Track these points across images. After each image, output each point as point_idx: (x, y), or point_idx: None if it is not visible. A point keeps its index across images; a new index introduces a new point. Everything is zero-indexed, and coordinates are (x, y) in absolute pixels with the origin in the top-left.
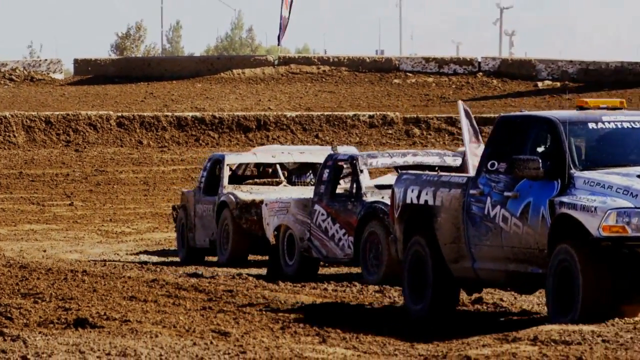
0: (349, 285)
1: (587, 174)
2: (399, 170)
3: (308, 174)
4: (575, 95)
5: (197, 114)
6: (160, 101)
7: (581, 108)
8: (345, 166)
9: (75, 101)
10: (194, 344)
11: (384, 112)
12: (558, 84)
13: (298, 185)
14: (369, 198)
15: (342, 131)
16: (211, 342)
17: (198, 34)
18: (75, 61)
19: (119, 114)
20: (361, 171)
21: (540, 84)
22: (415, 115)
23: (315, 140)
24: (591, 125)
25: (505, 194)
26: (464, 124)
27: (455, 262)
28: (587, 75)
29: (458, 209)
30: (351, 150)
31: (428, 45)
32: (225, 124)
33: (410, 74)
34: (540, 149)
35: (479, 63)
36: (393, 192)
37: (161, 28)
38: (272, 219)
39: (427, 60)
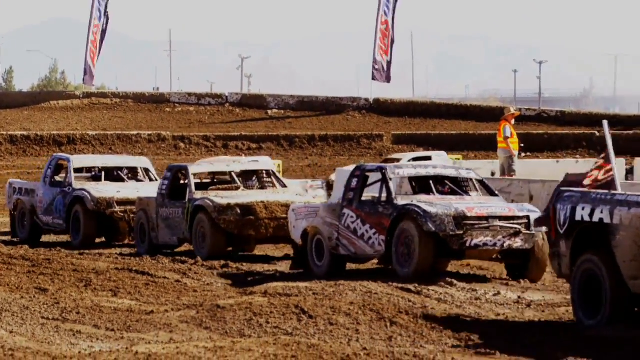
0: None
1: None
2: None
3: (253, 179)
4: (294, 120)
5: (25, 132)
6: None
7: None
8: (371, 176)
9: None
10: (22, 297)
11: (159, 132)
12: (282, 111)
13: (249, 189)
14: (399, 202)
15: (129, 145)
16: (34, 296)
17: (26, 75)
18: None
19: None
20: (390, 179)
21: (270, 112)
22: (181, 134)
23: (110, 151)
24: None
25: None
26: (609, 141)
27: (635, 279)
28: (302, 105)
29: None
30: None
31: (190, 84)
32: (45, 140)
33: (178, 104)
34: None
35: (227, 97)
36: (555, 209)
37: None
38: (300, 222)
39: (190, 94)
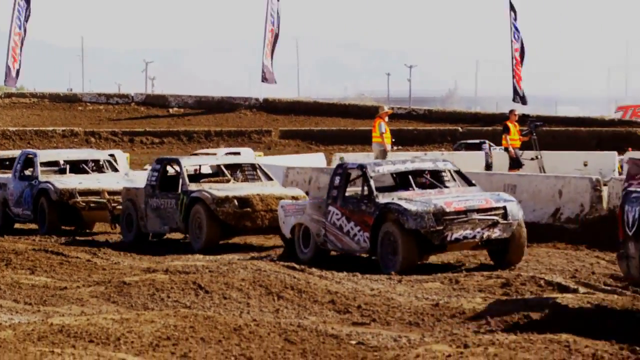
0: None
1: None
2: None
3: (237, 171)
4: (193, 117)
5: None
6: None
7: None
8: (353, 173)
9: None
10: None
11: (72, 128)
12: (182, 110)
13: (236, 181)
14: (381, 200)
15: (45, 140)
16: None
17: None
18: None
19: None
20: (371, 177)
21: (171, 110)
22: (92, 130)
23: (29, 145)
24: None
25: None
26: None
27: None
28: (200, 104)
29: None
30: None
31: (100, 85)
32: None
33: (89, 103)
34: None
35: (132, 97)
36: (623, 209)
37: None
38: (289, 219)
39: (99, 94)
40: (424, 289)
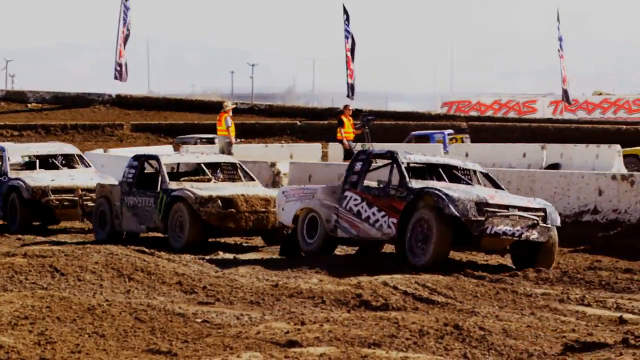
0: None
1: None
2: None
3: (217, 171)
4: (50, 112)
5: None
6: None
7: None
8: (372, 160)
9: None
10: None
11: None
12: (40, 105)
13: (217, 181)
14: (414, 185)
15: None
16: None
17: None
18: None
19: None
20: (402, 163)
21: (29, 105)
22: None
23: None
24: None
25: None
26: None
27: None
28: (57, 99)
29: None
30: None
31: None
32: None
33: None
34: None
35: None
36: None
37: None
38: (292, 204)
39: None
40: (265, 272)
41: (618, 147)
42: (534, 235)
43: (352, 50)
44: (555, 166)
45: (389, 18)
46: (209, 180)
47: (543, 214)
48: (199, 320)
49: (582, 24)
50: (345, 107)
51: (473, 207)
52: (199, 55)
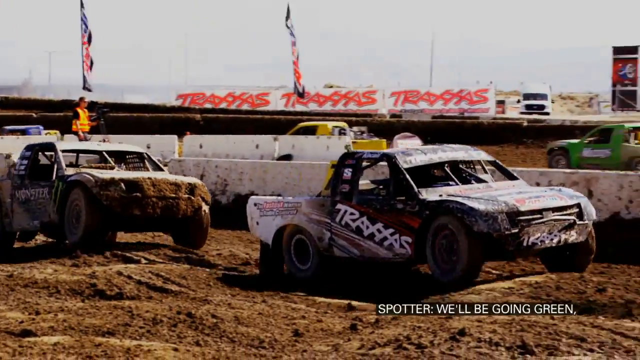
0: None
1: None
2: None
3: (122, 163)
4: None
5: None
6: None
7: None
8: (363, 164)
9: None
10: None
11: None
12: None
13: (124, 170)
14: (427, 196)
15: None
16: None
17: None
18: None
19: None
20: (404, 169)
21: None
22: None
23: None
24: None
25: None
26: None
27: None
28: None
29: None
30: None
31: None
32: None
33: None
34: None
35: None
36: None
37: None
38: (270, 220)
39: None
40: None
41: (348, 138)
42: (572, 237)
43: (89, 42)
44: (287, 157)
45: (125, 10)
46: (112, 168)
47: (578, 209)
48: None
49: (312, 19)
50: (81, 99)
51: (505, 219)
52: None
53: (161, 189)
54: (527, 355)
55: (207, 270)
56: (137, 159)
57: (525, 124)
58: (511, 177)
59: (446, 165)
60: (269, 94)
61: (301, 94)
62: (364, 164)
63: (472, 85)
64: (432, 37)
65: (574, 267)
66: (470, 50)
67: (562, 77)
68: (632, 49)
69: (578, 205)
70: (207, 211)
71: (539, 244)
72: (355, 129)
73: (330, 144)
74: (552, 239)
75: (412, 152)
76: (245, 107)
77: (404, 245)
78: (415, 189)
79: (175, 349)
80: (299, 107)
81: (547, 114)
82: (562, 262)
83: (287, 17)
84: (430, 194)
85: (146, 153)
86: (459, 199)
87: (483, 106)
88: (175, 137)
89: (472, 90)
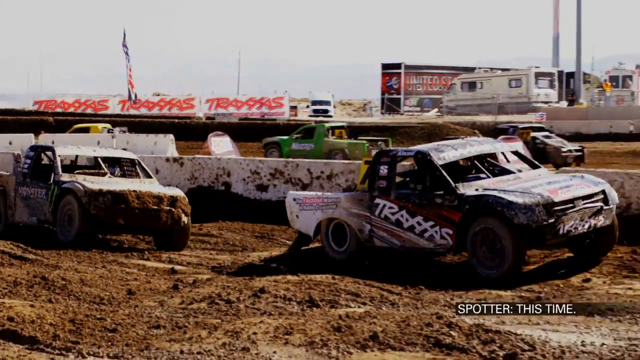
0: None
1: None
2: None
3: (116, 166)
4: None
5: None
6: None
7: None
8: (398, 161)
9: None
10: None
11: None
12: None
13: (115, 176)
14: (464, 190)
15: None
16: None
17: None
18: None
19: None
20: (439, 165)
21: None
22: None
23: None
24: None
25: None
26: None
27: None
28: None
29: None
30: None
31: None
32: None
33: None
34: None
35: None
36: None
37: None
38: (310, 214)
39: None
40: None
41: (171, 136)
42: (600, 221)
43: None
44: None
45: None
46: (104, 174)
47: (603, 195)
48: None
49: (143, 37)
50: None
51: (542, 210)
52: None
53: (145, 201)
54: (314, 308)
55: (58, 242)
56: (130, 164)
57: (313, 124)
58: (534, 166)
59: (476, 159)
60: (108, 100)
61: (134, 101)
62: (398, 160)
63: (271, 94)
64: (239, 55)
65: (599, 249)
66: (269, 66)
67: (343, 87)
68: (397, 65)
69: (603, 192)
70: (186, 222)
71: (573, 230)
72: (117, 128)
73: (158, 140)
74: (583, 225)
75: (443, 148)
76: (89, 111)
77: (444, 237)
78: (453, 184)
79: (32, 305)
80: (132, 112)
81: (330, 116)
82: (588, 245)
83: (124, 38)
84: (467, 188)
85: (137, 159)
86: (496, 193)
87: (279, 110)
88: (32, 135)
89: (270, 97)
